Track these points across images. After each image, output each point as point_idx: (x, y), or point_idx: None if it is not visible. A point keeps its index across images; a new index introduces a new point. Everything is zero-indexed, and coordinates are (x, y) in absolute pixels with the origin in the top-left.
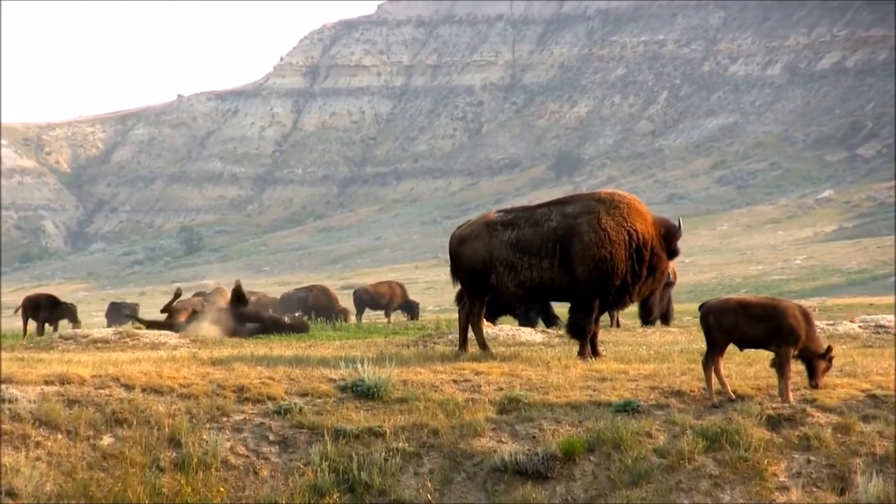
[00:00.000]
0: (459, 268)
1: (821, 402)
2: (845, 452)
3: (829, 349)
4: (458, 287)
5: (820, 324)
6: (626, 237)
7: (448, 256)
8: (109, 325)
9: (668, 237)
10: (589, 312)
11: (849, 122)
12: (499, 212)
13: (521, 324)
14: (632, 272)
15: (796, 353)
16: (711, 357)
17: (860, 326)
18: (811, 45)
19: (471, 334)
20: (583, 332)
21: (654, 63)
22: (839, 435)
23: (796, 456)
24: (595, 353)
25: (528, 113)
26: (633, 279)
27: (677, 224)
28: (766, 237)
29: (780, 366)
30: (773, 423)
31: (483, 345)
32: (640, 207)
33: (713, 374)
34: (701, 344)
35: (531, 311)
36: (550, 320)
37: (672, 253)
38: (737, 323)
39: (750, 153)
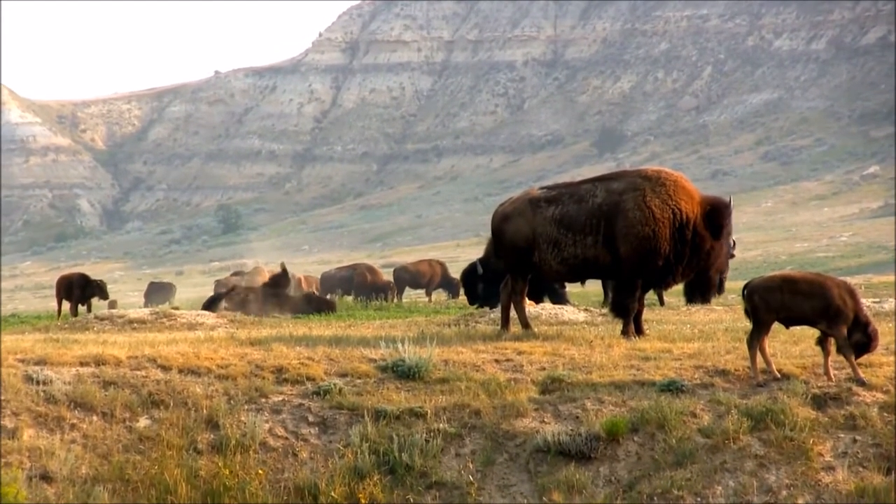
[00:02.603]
0: (503, 245)
1: (867, 380)
2: (892, 431)
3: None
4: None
5: (866, 301)
6: (671, 216)
7: (490, 234)
8: (147, 305)
9: (715, 216)
10: (632, 291)
11: (894, 98)
12: (542, 188)
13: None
14: (675, 252)
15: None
16: (756, 335)
17: None
18: (856, 19)
19: (513, 313)
20: (626, 311)
21: (698, 38)
22: (885, 414)
23: (842, 435)
24: (639, 331)
25: (571, 89)
26: (677, 259)
27: (727, 202)
28: (812, 214)
29: (840, 347)
30: (819, 402)
31: (525, 324)
32: (686, 186)
33: (758, 353)
34: (746, 322)
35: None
36: (558, 299)
37: (716, 232)
38: (783, 300)
39: (795, 129)
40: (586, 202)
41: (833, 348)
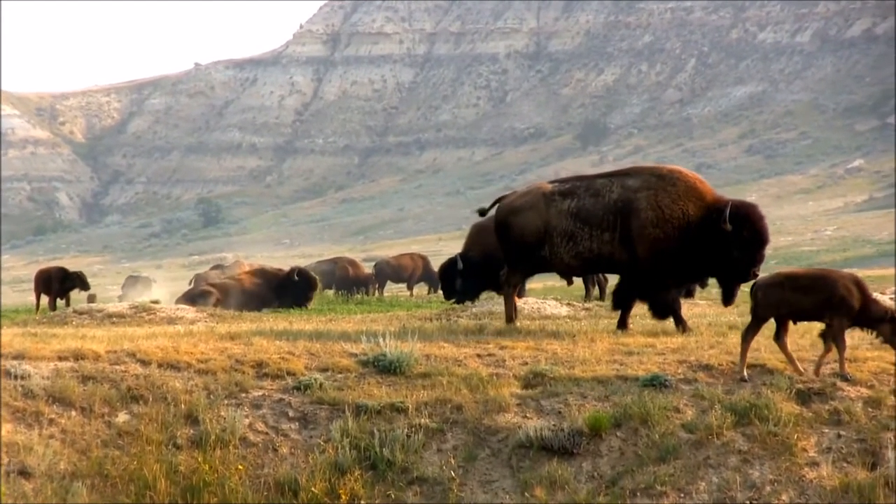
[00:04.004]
0: (509, 239)
1: (852, 375)
2: (876, 427)
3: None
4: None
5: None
6: (680, 217)
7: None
8: (122, 299)
9: (734, 222)
10: (666, 288)
11: (879, 91)
12: (552, 182)
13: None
14: (682, 254)
15: (851, 323)
16: (752, 331)
17: (891, 298)
18: (841, 11)
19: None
20: (670, 309)
21: (682, 30)
22: (870, 409)
23: (826, 430)
24: (624, 326)
25: (554, 81)
26: (689, 261)
27: (746, 206)
28: (796, 208)
29: (833, 338)
30: (803, 397)
31: (510, 318)
32: (699, 187)
33: (785, 349)
34: (729, 317)
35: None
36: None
37: (732, 236)
38: (784, 296)
39: (779, 122)
40: (602, 197)
41: (845, 343)
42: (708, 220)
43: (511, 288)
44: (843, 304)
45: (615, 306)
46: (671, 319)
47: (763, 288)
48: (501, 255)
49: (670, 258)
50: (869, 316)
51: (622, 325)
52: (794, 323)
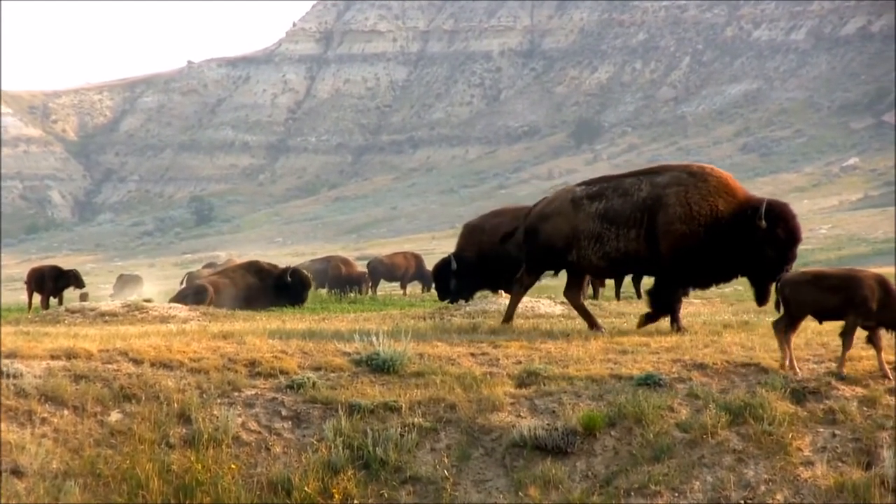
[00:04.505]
0: (536, 244)
1: (846, 374)
2: (871, 426)
3: None
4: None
5: None
6: (708, 213)
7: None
8: (113, 298)
9: (768, 220)
10: (675, 288)
11: (875, 89)
12: (580, 185)
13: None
14: (713, 251)
15: (873, 323)
16: (791, 327)
17: None
18: (836, 9)
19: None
20: (667, 308)
21: (676, 28)
22: (865, 408)
23: (821, 430)
24: (678, 326)
25: (548, 79)
26: (715, 259)
27: (778, 205)
28: (791, 206)
29: (843, 334)
30: (798, 396)
31: (510, 318)
32: (731, 185)
33: (787, 345)
34: (724, 316)
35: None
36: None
37: (764, 234)
38: (813, 295)
39: (774, 120)
40: (631, 196)
41: (883, 343)
42: (740, 217)
43: (523, 289)
44: (865, 304)
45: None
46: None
47: (791, 285)
48: (495, 254)
49: (695, 256)
50: (892, 316)
51: (675, 323)
52: (820, 322)
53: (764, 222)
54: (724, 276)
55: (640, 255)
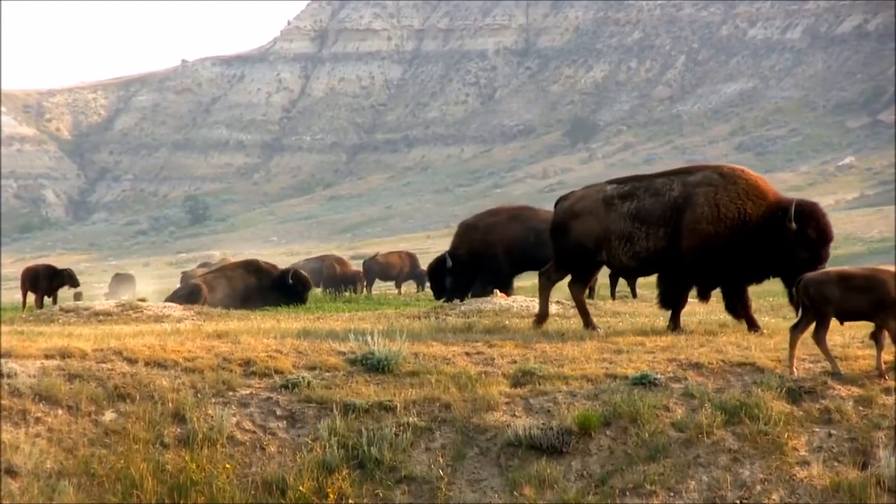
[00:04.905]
0: (566, 242)
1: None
2: (867, 426)
3: None
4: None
5: None
6: (735, 216)
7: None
8: (108, 297)
9: (798, 220)
10: (685, 286)
11: (870, 87)
12: (611, 183)
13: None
14: (735, 254)
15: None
16: (820, 331)
17: None
18: (832, 8)
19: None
20: (674, 304)
21: (672, 27)
22: (861, 408)
23: (817, 429)
24: (753, 326)
25: (543, 78)
26: (741, 260)
27: (808, 205)
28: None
29: (874, 336)
30: (794, 395)
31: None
32: (761, 186)
33: (825, 347)
34: (719, 315)
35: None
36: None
37: (794, 236)
38: (837, 295)
39: (769, 119)
40: (663, 196)
41: (887, 341)
42: (771, 219)
43: (551, 283)
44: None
45: (663, 305)
46: (671, 315)
47: (815, 285)
48: (489, 253)
49: (716, 257)
50: None
51: (752, 323)
52: (841, 323)
53: (794, 224)
54: (756, 277)
55: (665, 251)
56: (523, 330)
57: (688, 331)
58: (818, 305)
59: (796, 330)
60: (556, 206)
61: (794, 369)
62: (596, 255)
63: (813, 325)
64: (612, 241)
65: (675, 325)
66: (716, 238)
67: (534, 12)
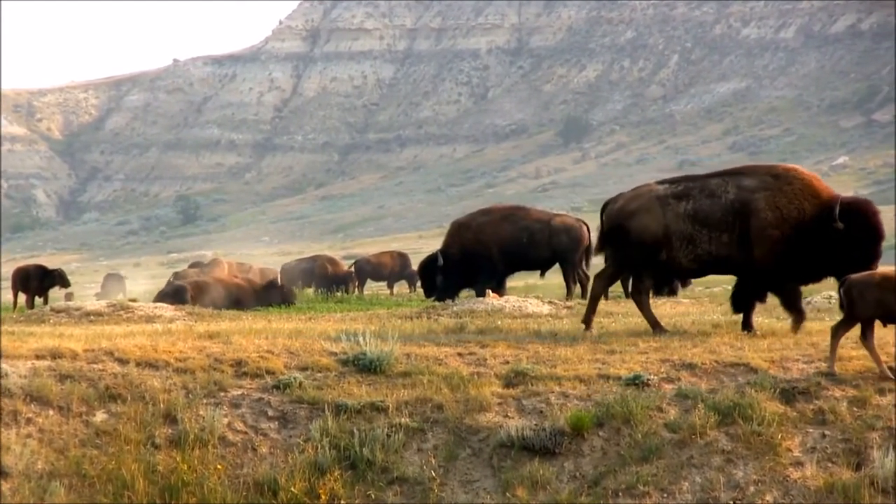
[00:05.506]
0: (627, 242)
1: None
2: (861, 426)
3: None
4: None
5: (833, 294)
6: (796, 216)
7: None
8: (99, 297)
9: (845, 219)
10: (762, 292)
11: (864, 87)
12: (661, 183)
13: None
14: (800, 253)
15: None
16: (844, 328)
17: None
18: (825, 7)
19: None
20: (746, 307)
21: (665, 26)
22: (855, 408)
23: (811, 430)
24: (748, 327)
25: (535, 77)
26: (802, 260)
27: (861, 202)
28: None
29: None
30: (787, 396)
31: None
32: (816, 185)
33: (873, 350)
34: (713, 316)
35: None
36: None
37: (849, 234)
38: (882, 297)
39: (763, 118)
40: (718, 198)
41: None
42: (826, 218)
43: (644, 294)
44: None
45: (736, 310)
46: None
47: (859, 286)
48: (482, 252)
49: (788, 258)
50: None
51: (747, 326)
52: (885, 325)
53: (840, 223)
54: (814, 277)
55: (731, 258)
56: (516, 330)
57: (681, 331)
58: (861, 307)
59: (839, 329)
60: (603, 210)
61: (835, 369)
62: (657, 254)
63: (854, 326)
64: (673, 242)
65: (748, 327)
66: (784, 241)
67: (526, 12)
